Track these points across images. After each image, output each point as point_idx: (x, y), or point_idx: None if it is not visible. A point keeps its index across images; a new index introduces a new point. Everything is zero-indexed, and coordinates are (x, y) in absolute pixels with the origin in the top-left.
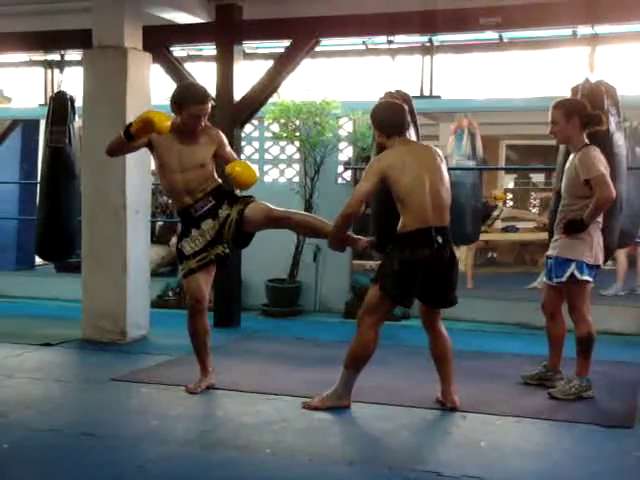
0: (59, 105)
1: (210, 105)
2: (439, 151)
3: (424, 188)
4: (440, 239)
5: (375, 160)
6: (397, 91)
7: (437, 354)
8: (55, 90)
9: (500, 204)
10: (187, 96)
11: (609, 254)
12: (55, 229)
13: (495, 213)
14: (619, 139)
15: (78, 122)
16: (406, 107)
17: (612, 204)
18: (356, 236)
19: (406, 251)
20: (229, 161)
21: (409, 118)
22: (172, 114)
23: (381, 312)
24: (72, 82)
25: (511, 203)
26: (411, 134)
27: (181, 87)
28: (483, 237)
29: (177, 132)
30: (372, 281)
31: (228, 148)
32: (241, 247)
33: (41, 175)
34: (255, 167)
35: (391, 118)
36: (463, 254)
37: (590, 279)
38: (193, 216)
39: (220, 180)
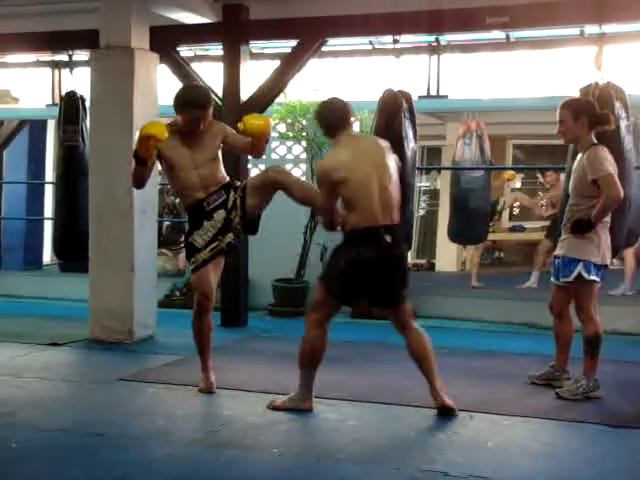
0: (71, 104)
1: (211, 109)
2: (386, 144)
3: (372, 186)
4: (389, 238)
5: (318, 169)
6: (399, 90)
7: (415, 355)
8: (65, 90)
9: (502, 199)
10: (188, 100)
11: (615, 253)
12: (73, 228)
13: (499, 207)
14: (629, 143)
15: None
16: (406, 104)
17: (620, 204)
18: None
19: (353, 250)
20: (240, 146)
21: (351, 114)
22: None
23: (326, 310)
24: (80, 82)
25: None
26: (408, 132)
27: (183, 90)
28: (490, 236)
29: (180, 132)
30: (320, 278)
31: (235, 135)
32: (251, 232)
33: (56, 174)
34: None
35: (331, 115)
36: (469, 253)
37: (597, 279)
38: (206, 209)
39: (228, 178)
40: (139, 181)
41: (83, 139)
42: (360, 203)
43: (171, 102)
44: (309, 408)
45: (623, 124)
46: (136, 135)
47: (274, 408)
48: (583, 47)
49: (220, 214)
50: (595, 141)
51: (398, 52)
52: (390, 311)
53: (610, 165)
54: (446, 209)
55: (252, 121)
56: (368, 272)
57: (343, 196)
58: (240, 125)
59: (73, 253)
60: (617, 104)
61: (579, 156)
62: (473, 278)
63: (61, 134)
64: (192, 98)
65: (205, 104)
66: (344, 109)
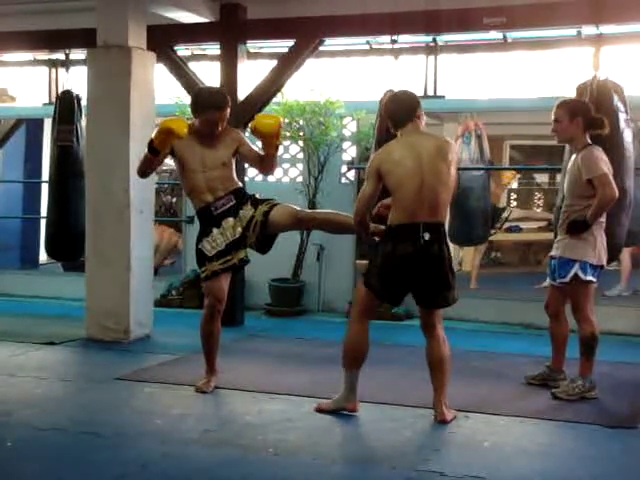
0: (66, 104)
1: (228, 111)
2: (448, 145)
3: (416, 182)
4: (427, 236)
5: (371, 159)
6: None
7: (429, 361)
8: (61, 89)
9: (509, 209)
10: (204, 102)
11: (617, 251)
12: (64, 228)
13: (504, 215)
14: (628, 136)
15: (84, 121)
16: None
17: (617, 202)
18: (381, 227)
19: (389, 245)
20: (252, 158)
21: (419, 107)
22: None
23: (367, 306)
24: (76, 81)
25: (515, 204)
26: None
27: (200, 92)
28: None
29: (197, 134)
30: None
31: (250, 146)
32: (264, 252)
33: (49, 174)
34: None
35: (398, 107)
36: (470, 255)
37: (593, 279)
38: (213, 214)
39: (241, 184)
40: (146, 170)
41: (77, 139)
42: (401, 198)
43: (168, 101)
44: (353, 409)
45: (622, 117)
46: (156, 128)
47: (319, 411)
48: (580, 48)
49: (229, 222)
50: (589, 141)
51: (395, 52)
52: (427, 313)
53: (605, 165)
54: None
55: (263, 120)
56: (403, 269)
57: (389, 190)
58: (251, 124)
59: (64, 253)
60: (615, 97)
61: (573, 156)
62: (473, 280)
63: (55, 133)
64: (209, 100)
65: (222, 105)
66: (411, 102)
